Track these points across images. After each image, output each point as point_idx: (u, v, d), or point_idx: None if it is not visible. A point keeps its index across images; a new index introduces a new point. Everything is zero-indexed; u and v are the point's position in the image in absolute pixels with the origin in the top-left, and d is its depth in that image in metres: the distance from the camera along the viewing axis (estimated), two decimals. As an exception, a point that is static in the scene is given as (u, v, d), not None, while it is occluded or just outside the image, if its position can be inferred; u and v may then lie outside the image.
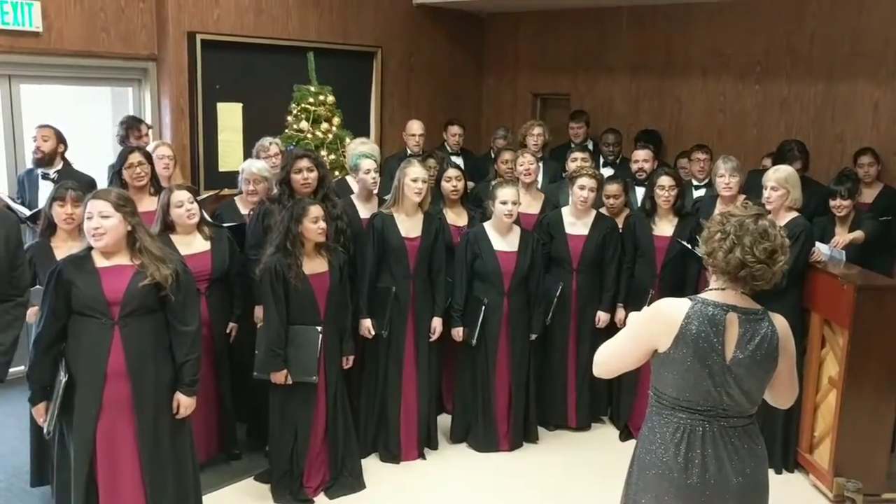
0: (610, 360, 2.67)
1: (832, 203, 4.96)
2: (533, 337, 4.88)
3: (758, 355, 2.43)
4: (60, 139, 5.28)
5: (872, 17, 6.09)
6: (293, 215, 3.98)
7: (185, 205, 4.14)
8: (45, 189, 5.07)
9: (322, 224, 3.99)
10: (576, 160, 5.55)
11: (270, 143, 5.27)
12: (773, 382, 2.53)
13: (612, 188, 5.21)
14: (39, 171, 5.21)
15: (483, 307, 4.69)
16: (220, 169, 6.35)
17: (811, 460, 4.56)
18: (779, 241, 2.43)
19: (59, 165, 5.26)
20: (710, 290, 2.52)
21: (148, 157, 4.75)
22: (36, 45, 5.51)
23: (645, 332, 2.54)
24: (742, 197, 4.90)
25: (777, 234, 2.44)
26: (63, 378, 3.22)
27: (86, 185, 4.37)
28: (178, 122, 6.11)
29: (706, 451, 2.46)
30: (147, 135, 5.61)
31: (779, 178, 4.50)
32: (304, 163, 4.48)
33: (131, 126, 5.58)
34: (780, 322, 2.51)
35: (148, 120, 5.99)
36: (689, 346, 2.42)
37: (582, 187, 4.90)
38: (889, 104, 6.11)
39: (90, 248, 3.29)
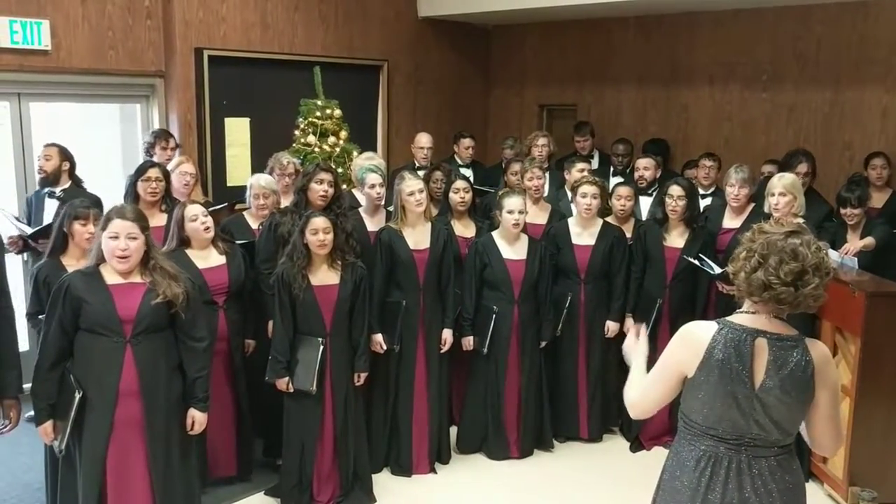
0: (644, 397, 2.49)
1: (843, 211, 4.95)
2: (543, 344, 4.87)
3: (788, 384, 2.27)
4: (65, 157, 5.23)
5: (879, 22, 6.07)
6: (300, 227, 4.05)
7: (199, 218, 4.15)
8: (51, 208, 5.08)
9: (321, 237, 4.00)
10: (582, 171, 5.54)
11: (289, 163, 5.24)
12: (811, 419, 2.35)
13: (624, 189, 5.18)
14: (45, 190, 5.18)
15: (493, 316, 4.69)
16: (229, 184, 6.38)
17: (825, 470, 4.52)
18: (811, 261, 2.24)
19: (65, 184, 5.22)
20: (741, 312, 2.37)
21: (166, 174, 4.79)
22: (45, 63, 5.55)
23: (673, 358, 2.40)
24: (751, 206, 4.88)
25: (810, 253, 2.25)
26: (78, 395, 3.18)
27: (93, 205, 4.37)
28: (185, 138, 6.13)
29: (729, 482, 2.34)
30: (173, 149, 5.62)
31: (785, 184, 4.48)
32: (328, 176, 4.52)
33: (159, 136, 5.62)
34: (817, 350, 2.33)
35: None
36: (714, 372, 2.30)
37: (584, 195, 4.89)
38: (897, 110, 6.09)
39: (97, 264, 3.28)
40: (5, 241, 4.94)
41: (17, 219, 5.13)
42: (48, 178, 5.17)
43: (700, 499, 2.37)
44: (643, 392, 2.50)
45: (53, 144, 5.26)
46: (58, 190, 5.17)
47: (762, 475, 2.35)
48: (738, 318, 2.36)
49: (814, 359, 2.31)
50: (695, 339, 2.35)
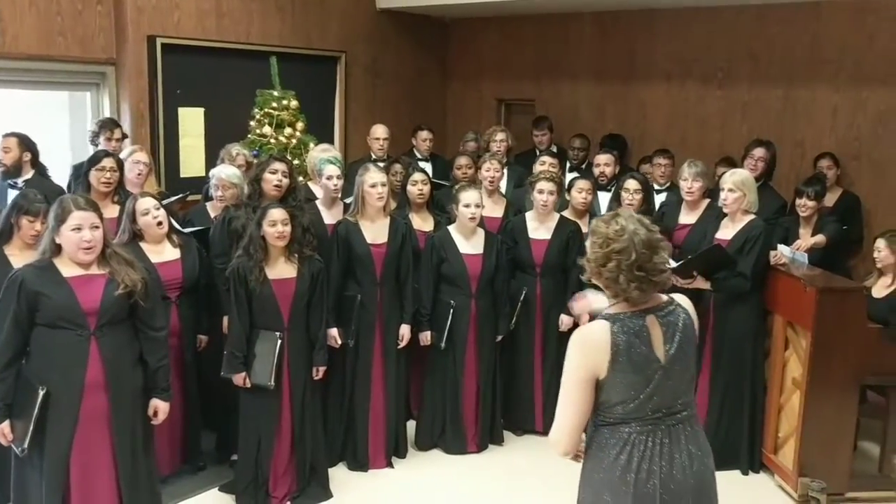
0: (564, 424, 2.42)
1: (798, 202, 5.08)
2: (499, 338, 4.88)
3: (685, 344, 2.45)
4: (26, 147, 5.03)
5: (831, 24, 6.18)
6: (257, 219, 3.98)
7: (150, 212, 4.06)
8: None
9: (280, 228, 3.94)
10: (544, 164, 5.56)
11: (238, 154, 5.16)
12: None
13: (584, 183, 5.22)
14: (7, 181, 4.98)
15: (451, 310, 4.68)
16: (182, 175, 6.25)
17: (776, 461, 4.60)
18: (658, 237, 2.43)
19: (28, 174, 5.03)
20: (615, 303, 2.46)
21: (120, 165, 4.67)
22: (-10, 48, 5.39)
23: (584, 369, 2.40)
24: (706, 202, 4.93)
25: (648, 228, 2.41)
26: (42, 391, 3.11)
27: (54, 196, 4.22)
28: (138, 128, 6.00)
29: (655, 456, 2.41)
30: (119, 140, 5.44)
31: (735, 181, 4.54)
32: (281, 166, 4.47)
33: (105, 126, 5.40)
34: (685, 301, 2.55)
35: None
36: (626, 363, 2.37)
37: (541, 191, 4.91)
38: (847, 110, 6.21)
39: (51, 257, 3.19)
40: None
41: None
42: (8, 170, 4.99)
43: (633, 481, 2.41)
44: (561, 420, 2.43)
45: (13, 134, 5.04)
46: (20, 181, 4.98)
47: (681, 441, 2.46)
48: (621, 308, 2.44)
49: (689, 311, 2.52)
50: (596, 341, 2.39)
